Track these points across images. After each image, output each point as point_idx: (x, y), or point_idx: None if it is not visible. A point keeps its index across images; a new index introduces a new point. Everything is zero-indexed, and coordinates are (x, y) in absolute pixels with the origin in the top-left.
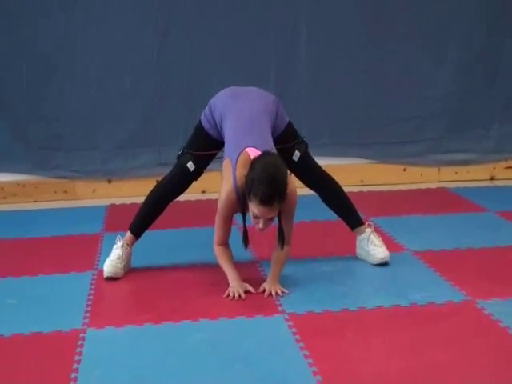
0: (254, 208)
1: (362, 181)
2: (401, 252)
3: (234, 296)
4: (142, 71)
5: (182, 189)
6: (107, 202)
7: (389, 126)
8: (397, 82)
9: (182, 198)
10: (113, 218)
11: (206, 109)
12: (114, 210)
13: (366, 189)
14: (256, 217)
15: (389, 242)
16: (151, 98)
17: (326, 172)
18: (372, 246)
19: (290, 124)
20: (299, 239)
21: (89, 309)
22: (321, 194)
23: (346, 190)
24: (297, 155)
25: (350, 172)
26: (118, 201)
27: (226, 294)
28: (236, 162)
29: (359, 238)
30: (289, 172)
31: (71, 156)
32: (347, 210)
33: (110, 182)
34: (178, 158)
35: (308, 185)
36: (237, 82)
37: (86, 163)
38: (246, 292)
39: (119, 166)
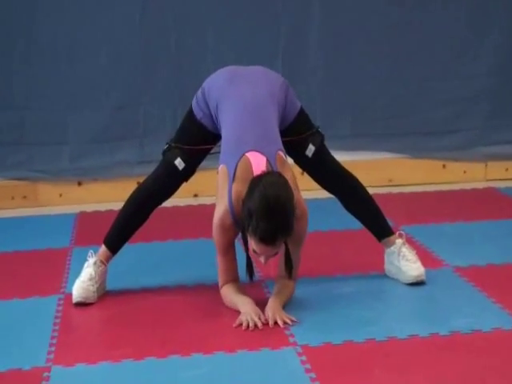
0: (253, 245)
1: (390, 180)
2: (439, 268)
3: (248, 325)
4: (120, 45)
5: (169, 192)
6: (77, 208)
7: (423, 111)
8: (431, 57)
9: (169, 202)
10: (84, 228)
11: (199, 92)
12: (85, 218)
13: (395, 190)
14: (256, 252)
15: (424, 256)
16: (132, 78)
17: (346, 170)
18: (404, 261)
19: (301, 111)
20: (313, 253)
21: (54, 342)
22: (341, 197)
23: (371, 191)
24: (311, 150)
25: (376, 169)
26: (90, 207)
27: (238, 322)
28: (234, 173)
29: (388, 250)
30: (296, 187)
31: (33, 152)
32: (373, 217)
33: (80, 184)
34: (164, 153)
35: (324, 186)
36: (236, 61)
37: (51, 161)
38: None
39: (92, 165)
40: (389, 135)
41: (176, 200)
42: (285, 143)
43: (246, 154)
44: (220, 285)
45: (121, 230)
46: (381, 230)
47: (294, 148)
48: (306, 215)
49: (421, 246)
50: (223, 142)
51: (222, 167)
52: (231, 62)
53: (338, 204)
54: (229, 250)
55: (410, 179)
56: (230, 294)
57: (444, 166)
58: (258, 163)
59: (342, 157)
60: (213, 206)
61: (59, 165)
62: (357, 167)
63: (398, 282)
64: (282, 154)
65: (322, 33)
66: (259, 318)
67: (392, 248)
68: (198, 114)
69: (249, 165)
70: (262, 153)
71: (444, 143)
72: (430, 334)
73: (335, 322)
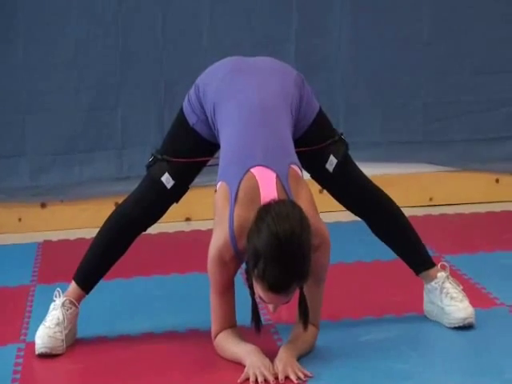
0: (260, 292)
1: (431, 199)
2: (491, 308)
3: (256, 380)
4: (92, 30)
5: (155, 216)
6: (40, 236)
7: (473, 114)
8: (485, 47)
9: (155, 228)
10: (49, 261)
11: (191, 91)
12: (49, 248)
13: (436, 211)
14: (264, 301)
15: (473, 293)
16: (107, 73)
17: (376, 186)
18: (448, 299)
19: (320, 113)
20: (336, 290)
21: None
22: (369, 221)
23: (407, 212)
24: (332, 162)
25: (414, 185)
26: (55, 235)
27: (243, 377)
28: (236, 194)
29: (428, 286)
30: (314, 210)
31: None
32: (410, 245)
33: (43, 206)
34: (149, 167)
35: (349, 206)
36: (237, 48)
37: (6, 177)
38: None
39: (58, 182)
40: (429, 143)
41: (164, 225)
42: (300, 155)
43: (252, 170)
44: (213, 333)
45: (95, 264)
46: (419, 260)
47: (311, 160)
48: (328, 245)
49: (468, 280)
50: (222, 154)
51: (221, 185)
52: (231, 51)
53: (366, 228)
54: (227, 290)
55: (455, 197)
56: (228, 343)
57: (497, 180)
58: (266, 183)
59: (371, 170)
60: (209, 233)
61: (17, 182)
62: (389, 183)
63: (441, 326)
64: (296, 168)
65: (345, 10)
66: (269, 371)
67: (433, 284)
68: (191, 119)
69: (255, 184)
70: (272, 168)
71: (498, 152)
72: None
73: (361, 377)
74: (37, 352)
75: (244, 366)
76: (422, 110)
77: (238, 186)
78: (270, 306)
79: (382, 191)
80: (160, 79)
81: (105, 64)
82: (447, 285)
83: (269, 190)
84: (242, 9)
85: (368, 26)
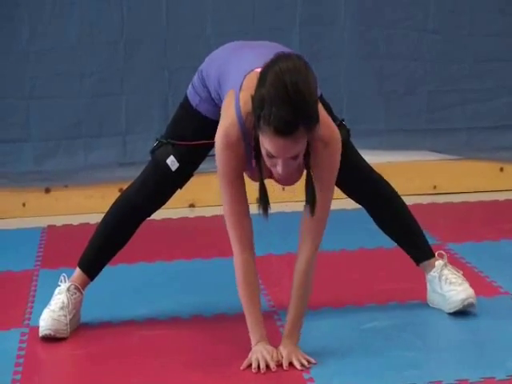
0: (266, 143)
1: (435, 187)
2: (495, 296)
3: (258, 366)
4: (96, 17)
5: (160, 200)
6: (44, 221)
7: (477, 101)
8: (492, 31)
9: (159, 214)
10: (53, 245)
11: (195, 78)
12: (54, 233)
13: (440, 199)
14: (271, 156)
15: (477, 281)
16: (110, 59)
17: (378, 175)
18: (447, 285)
19: (321, 99)
20: (340, 277)
21: None
22: (370, 209)
23: (411, 200)
24: None
25: (417, 174)
26: (60, 220)
27: (246, 363)
28: (240, 87)
29: (429, 276)
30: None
31: None
32: (411, 236)
33: (48, 191)
34: (153, 152)
35: (351, 194)
36: (242, 36)
37: (11, 162)
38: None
39: (62, 167)
40: (433, 131)
41: (168, 211)
42: None
43: (256, 70)
44: (235, 242)
45: (99, 250)
46: (419, 251)
47: None
48: (338, 142)
49: (472, 268)
50: (225, 77)
51: (228, 93)
52: (235, 39)
53: (367, 216)
54: (236, 178)
55: (459, 186)
56: (244, 289)
57: (502, 169)
58: None
59: (374, 158)
60: (213, 219)
61: (21, 167)
62: (393, 170)
63: (444, 314)
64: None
65: (350, 4)
66: (272, 357)
67: (432, 273)
68: (194, 101)
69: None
70: None
71: (502, 141)
72: (482, 379)
73: (365, 364)
74: (40, 334)
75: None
76: (426, 98)
77: (243, 79)
78: (279, 168)
79: (383, 179)
80: (164, 66)
81: (109, 50)
82: (445, 271)
83: None
84: None
85: (372, 15)
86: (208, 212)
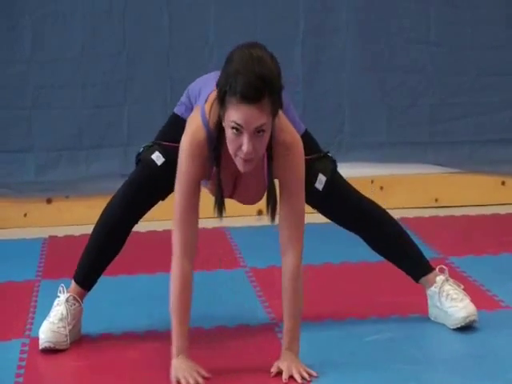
0: (232, 114)
1: (436, 200)
2: (496, 310)
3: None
4: (98, 26)
5: (147, 200)
6: (46, 232)
7: (479, 114)
8: (493, 44)
9: (160, 226)
10: (54, 256)
11: (183, 96)
12: (55, 244)
13: (442, 212)
14: (237, 129)
15: (478, 295)
16: (113, 69)
17: (368, 201)
18: (448, 301)
19: (306, 134)
20: (340, 290)
21: None
22: (364, 237)
23: (412, 213)
24: (321, 181)
25: (419, 186)
26: (61, 230)
27: (174, 381)
28: (206, 101)
29: (429, 292)
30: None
31: None
32: (406, 256)
33: (49, 201)
34: (139, 156)
35: (343, 224)
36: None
37: (14, 173)
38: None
39: (64, 178)
40: (435, 144)
41: (169, 223)
42: None
43: None
44: (176, 250)
45: (91, 264)
46: (416, 268)
47: None
48: (299, 147)
49: (474, 282)
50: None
51: (196, 107)
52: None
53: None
54: (193, 185)
55: (460, 199)
56: (177, 301)
57: (503, 182)
58: None
59: (376, 170)
60: (213, 231)
61: (23, 177)
62: (395, 183)
63: (446, 327)
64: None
65: (351, 11)
66: (197, 372)
67: (432, 288)
68: (180, 111)
69: None
70: None
71: (504, 154)
72: None
73: (367, 377)
74: (40, 347)
75: None
76: (428, 110)
77: (209, 94)
78: (244, 143)
79: (373, 204)
80: (166, 76)
81: (112, 61)
82: (446, 287)
83: None
84: (248, 9)
85: (374, 27)
86: (209, 224)
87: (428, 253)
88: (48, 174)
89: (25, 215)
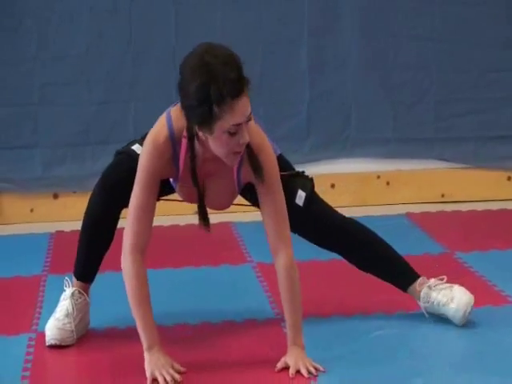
0: (230, 118)
1: (442, 195)
2: (503, 305)
3: (164, 380)
4: (104, 23)
5: (128, 185)
6: (52, 227)
7: (485, 110)
8: (499, 39)
9: (166, 221)
10: (60, 251)
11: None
12: (62, 239)
13: (448, 207)
14: (234, 130)
15: (484, 290)
16: (120, 67)
17: (345, 219)
18: (441, 307)
19: (280, 157)
20: (345, 286)
21: None
22: (345, 256)
23: (418, 208)
24: (301, 196)
25: (426, 182)
26: (68, 226)
27: (150, 378)
28: (173, 106)
29: (421, 304)
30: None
31: None
32: (389, 269)
33: (56, 197)
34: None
35: (323, 244)
36: (250, 46)
37: (20, 168)
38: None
39: (70, 174)
40: (441, 140)
41: (175, 218)
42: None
43: None
44: (127, 245)
45: (85, 259)
46: (401, 279)
47: None
48: (269, 146)
49: (480, 277)
50: None
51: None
52: (243, 49)
53: (376, 225)
54: (151, 185)
55: (466, 194)
56: (134, 291)
57: (509, 178)
58: None
59: (382, 166)
60: (218, 226)
61: (30, 173)
62: (401, 179)
63: (451, 323)
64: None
65: (356, 9)
66: (174, 370)
67: (422, 303)
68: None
69: None
70: None
71: (510, 150)
72: None
73: (372, 372)
74: (47, 344)
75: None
76: (434, 107)
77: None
78: (243, 136)
79: (351, 221)
80: (172, 74)
81: (117, 59)
82: (433, 295)
83: None
84: (254, 8)
85: (378, 25)
86: (215, 218)
87: (434, 248)
88: (54, 170)
89: (31, 210)
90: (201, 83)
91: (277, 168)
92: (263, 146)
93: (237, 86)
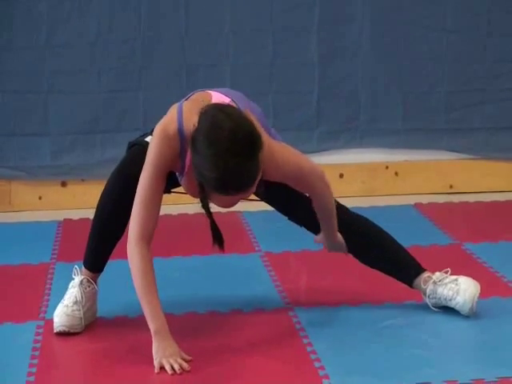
0: (215, 200)
1: (451, 186)
2: (511, 297)
3: (172, 368)
4: (113, 12)
5: (130, 195)
6: (60, 215)
7: (497, 100)
8: (506, 35)
9: (175, 210)
10: (69, 239)
11: None
12: (70, 227)
13: (457, 198)
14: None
15: (492, 282)
16: (128, 54)
17: (354, 215)
18: (449, 302)
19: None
20: (356, 275)
21: (32, 379)
22: (353, 253)
23: (427, 199)
24: None
25: (434, 173)
26: (76, 214)
27: (157, 366)
28: (185, 100)
29: (428, 301)
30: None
31: (5, 145)
32: (393, 263)
33: (64, 184)
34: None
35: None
36: (260, 35)
37: (29, 156)
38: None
39: (79, 162)
40: (451, 130)
41: (184, 207)
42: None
43: (207, 91)
44: (133, 234)
45: (96, 249)
46: (406, 274)
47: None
48: (267, 143)
49: (489, 268)
50: None
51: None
52: (253, 37)
53: (386, 215)
54: (160, 176)
55: (475, 185)
56: (142, 280)
57: None
58: (219, 98)
59: (391, 156)
60: (228, 215)
61: (39, 161)
62: (410, 169)
63: (460, 314)
64: (256, 117)
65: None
66: (182, 359)
67: (429, 300)
68: None
69: (207, 95)
70: (228, 96)
71: None
72: (498, 379)
73: (381, 362)
74: (55, 330)
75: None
76: (444, 97)
77: (188, 97)
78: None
79: (354, 215)
80: (182, 63)
81: (127, 47)
82: (439, 290)
83: (221, 99)
84: None
85: (390, 14)
86: (222, 209)
87: (443, 239)
88: (63, 158)
89: (40, 198)
90: (200, 160)
91: (295, 158)
92: (283, 160)
93: (222, 188)
